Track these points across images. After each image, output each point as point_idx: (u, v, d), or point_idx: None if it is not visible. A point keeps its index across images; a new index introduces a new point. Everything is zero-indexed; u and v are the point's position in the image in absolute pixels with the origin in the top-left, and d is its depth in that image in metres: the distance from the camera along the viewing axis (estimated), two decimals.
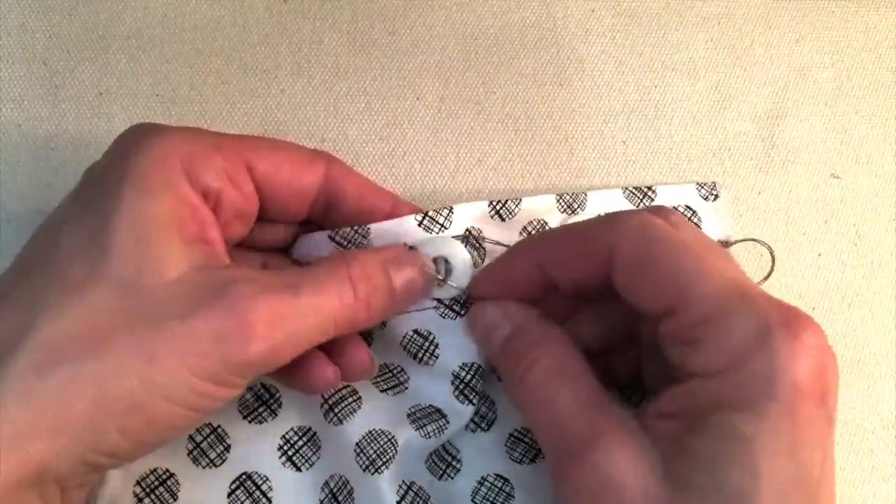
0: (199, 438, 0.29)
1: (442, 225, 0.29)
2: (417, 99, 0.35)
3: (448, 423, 0.29)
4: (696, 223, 0.33)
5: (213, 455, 0.29)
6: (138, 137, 0.24)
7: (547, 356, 0.25)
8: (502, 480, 0.28)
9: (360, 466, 0.28)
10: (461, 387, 0.29)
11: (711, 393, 0.21)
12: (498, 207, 0.31)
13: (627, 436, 0.22)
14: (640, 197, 0.34)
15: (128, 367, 0.20)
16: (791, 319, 0.21)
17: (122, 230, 0.22)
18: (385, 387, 0.30)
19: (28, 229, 0.32)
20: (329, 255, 0.26)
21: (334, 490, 0.29)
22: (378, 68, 0.36)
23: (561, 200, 0.33)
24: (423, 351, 0.28)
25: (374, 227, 0.28)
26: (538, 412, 0.24)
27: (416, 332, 0.28)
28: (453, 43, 0.36)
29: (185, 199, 0.23)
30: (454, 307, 0.29)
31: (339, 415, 0.29)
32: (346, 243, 0.28)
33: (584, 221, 0.26)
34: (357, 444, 0.28)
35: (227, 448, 0.29)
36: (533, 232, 0.32)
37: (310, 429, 0.30)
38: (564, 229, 0.27)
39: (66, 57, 0.35)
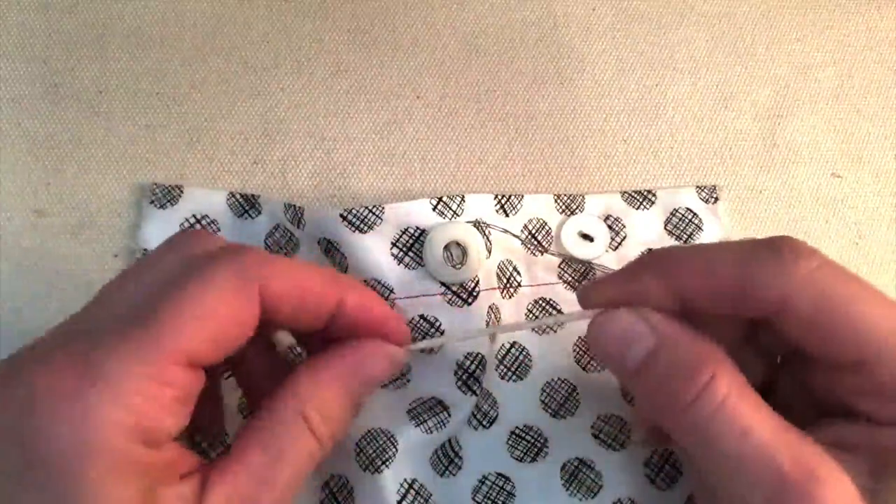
0: (198, 439, 0.29)
1: (455, 212, 0.29)
2: (418, 97, 0.35)
3: (449, 416, 0.29)
4: (696, 225, 0.33)
5: (213, 456, 0.29)
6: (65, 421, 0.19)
7: (721, 375, 0.21)
8: (503, 479, 0.28)
9: (360, 466, 0.28)
10: (464, 377, 0.29)
11: None
12: (503, 202, 0.32)
13: (833, 465, 0.20)
14: (640, 200, 0.34)
15: None
16: None
17: None
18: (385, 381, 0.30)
19: (26, 229, 0.32)
20: (278, 401, 0.22)
21: (334, 490, 0.29)
22: (378, 66, 0.36)
23: (559, 201, 0.33)
24: (428, 337, 0.28)
25: (388, 207, 0.28)
26: (721, 443, 0.21)
27: (422, 317, 0.29)
28: (454, 41, 0.36)
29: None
30: (461, 294, 0.29)
31: None
32: (358, 223, 0.28)
33: (737, 248, 0.23)
34: (357, 443, 0.28)
35: (228, 449, 0.29)
36: (533, 230, 0.32)
37: None
38: (715, 255, 0.23)
39: (66, 55, 0.34)
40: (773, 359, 0.26)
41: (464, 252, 0.29)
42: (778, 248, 0.22)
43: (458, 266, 0.29)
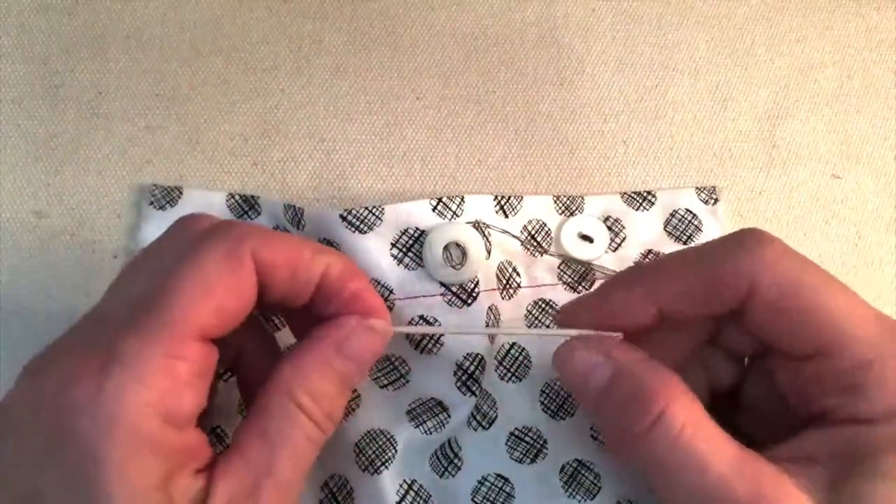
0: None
1: (454, 213, 0.29)
2: (417, 98, 0.35)
3: (449, 417, 0.29)
4: (696, 226, 0.33)
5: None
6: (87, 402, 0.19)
7: (676, 404, 0.21)
8: (503, 480, 0.28)
9: (360, 467, 0.28)
10: (464, 378, 0.29)
11: (873, 438, 0.21)
12: (502, 203, 0.32)
13: (790, 489, 0.20)
14: (640, 201, 0.34)
15: None
16: None
17: None
18: (385, 382, 0.30)
19: (26, 230, 0.32)
20: (268, 391, 0.23)
21: (334, 490, 0.29)
22: (378, 68, 0.36)
23: (558, 202, 0.33)
24: (427, 337, 0.28)
25: (388, 207, 0.28)
26: (680, 474, 0.21)
27: (422, 317, 0.29)
28: (453, 42, 0.36)
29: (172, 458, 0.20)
30: (461, 295, 0.29)
31: None
32: (358, 223, 0.28)
33: (706, 247, 0.24)
34: (356, 444, 0.28)
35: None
36: (533, 231, 0.32)
37: None
38: (686, 257, 0.24)
39: (66, 56, 0.35)
40: (740, 360, 0.26)
41: (463, 253, 0.29)
42: (741, 239, 0.23)
43: (457, 267, 0.29)
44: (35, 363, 0.21)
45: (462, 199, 0.30)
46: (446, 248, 0.29)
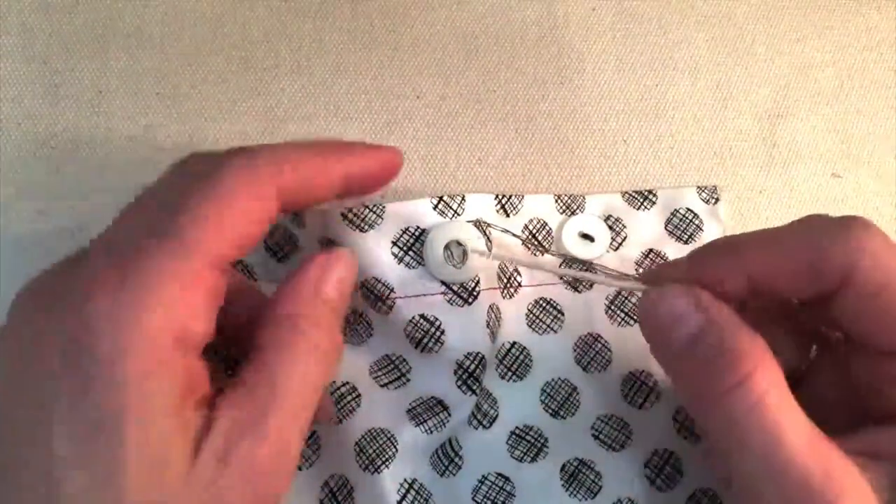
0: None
1: (455, 211, 0.29)
2: (418, 97, 0.35)
3: (449, 415, 0.29)
4: (697, 226, 0.33)
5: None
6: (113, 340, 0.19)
7: (763, 370, 0.21)
8: (503, 479, 0.28)
9: (360, 466, 0.28)
10: (464, 376, 0.29)
11: None
12: (503, 202, 0.32)
13: (859, 480, 0.20)
14: (641, 200, 0.34)
15: None
16: None
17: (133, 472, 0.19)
18: (386, 380, 0.30)
19: (27, 229, 0.32)
20: (269, 326, 0.23)
21: (334, 489, 0.29)
22: (378, 67, 0.36)
23: (559, 201, 0.33)
24: (428, 336, 0.28)
25: (389, 206, 0.28)
26: (754, 441, 0.20)
27: (422, 316, 0.28)
28: (454, 41, 0.36)
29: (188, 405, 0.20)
30: (462, 294, 0.29)
31: (339, 414, 0.29)
32: (359, 221, 0.28)
33: (808, 225, 0.23)
34: (357, 443, 0.28)
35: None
36: (534, 230, 0.32)
37: None
38: (786, 233, 0.23)
39: (66, 55, 0.35)
40: (806, 344, 0.26)
41: (464, 251, 0.29)
42: (848, 224, 0.22)
43: (458, 265, 0.29)
44: (52, 278, 0.21)
45: (463, 197, 0.30)
46: (447, 246, 0.29)
